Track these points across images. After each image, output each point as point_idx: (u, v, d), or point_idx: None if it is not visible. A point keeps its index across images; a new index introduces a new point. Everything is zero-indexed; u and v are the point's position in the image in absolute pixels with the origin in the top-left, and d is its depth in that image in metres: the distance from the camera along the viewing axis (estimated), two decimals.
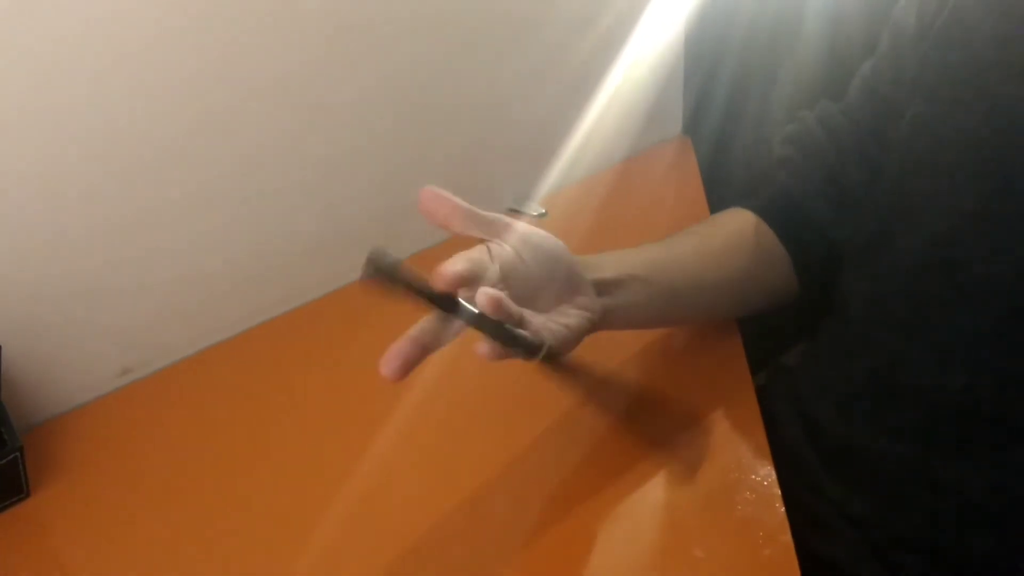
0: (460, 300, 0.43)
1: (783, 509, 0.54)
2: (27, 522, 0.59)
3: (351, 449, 0.62)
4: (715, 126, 1.01)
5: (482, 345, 0.42)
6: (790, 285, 0.67)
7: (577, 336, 0.49)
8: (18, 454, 0.59)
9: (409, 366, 0.42)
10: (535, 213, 0.50)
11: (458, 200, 0.46)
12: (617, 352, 0.70)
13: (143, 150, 0.64)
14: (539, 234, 0.50)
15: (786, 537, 0.52)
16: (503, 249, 0.47)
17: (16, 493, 0.60)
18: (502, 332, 0.42)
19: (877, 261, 0.60)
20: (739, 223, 0.67)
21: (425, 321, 0.43)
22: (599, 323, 0.52)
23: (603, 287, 0.54)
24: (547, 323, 0.47)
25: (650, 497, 0.57)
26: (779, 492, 0.56)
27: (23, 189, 0.59)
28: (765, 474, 0.57)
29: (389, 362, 0.42)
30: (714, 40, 0.96)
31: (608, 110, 0.88)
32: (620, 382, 0.67)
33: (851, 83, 0.67)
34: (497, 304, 0.41)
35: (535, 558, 0.53)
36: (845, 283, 0.64)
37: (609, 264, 0.56)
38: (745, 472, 0.57)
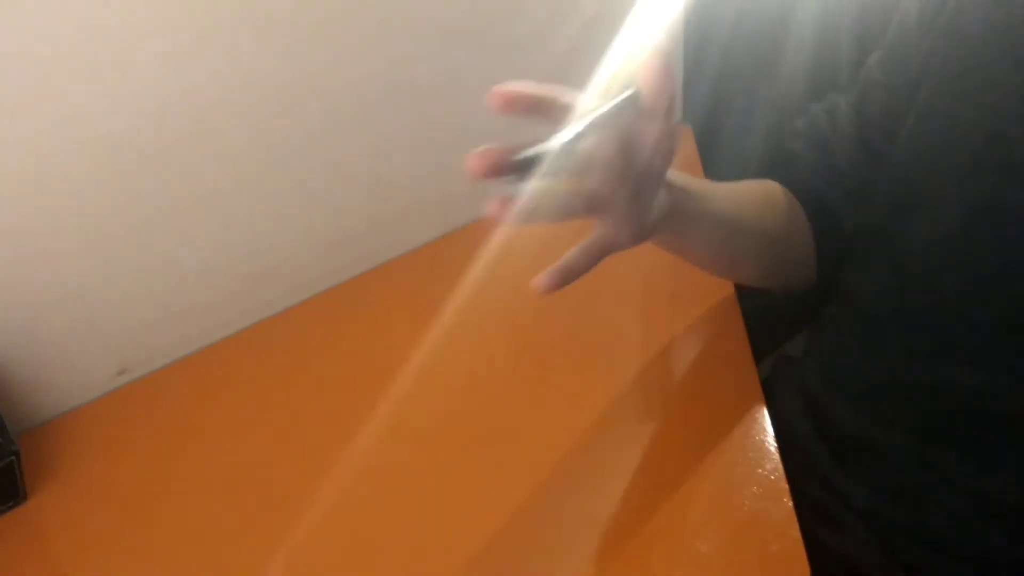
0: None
1: (791, 503, 0.54)
2: (25, 526, 0.58)
3: (352, 449, 0.62)
4: (713, 114, 1.00)
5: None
6: (811, 261, 0.66)
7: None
8: (14, 458, 0.58)
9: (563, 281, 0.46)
10: (626, 95, 0.49)
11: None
12: (621, 347, 0.69)
13: (137, 151, 0.63)
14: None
15: (795, 532, 0.52)
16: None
17: (13, 497, 0.59)
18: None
19: (888, 255, 0.59)
20: (772, 186, 0.66)
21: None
22: (664, 222, 0.51)
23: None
24: None
25: (656, 492, 0.56)
26: (787, 486, 0.55)
27: (16, 191, 0.59)
28: (772, 468, 0.57)
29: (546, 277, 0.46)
30: (712, 27, 0.95)
31: (605, 100, 0.87)
32: (625, 378, 0.67)
33: (858, 74, 0.66)
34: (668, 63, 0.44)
35: (538, 552, 0.53)
36: (856, 276, 0.63)
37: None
38: (752, 466, 0.57)
